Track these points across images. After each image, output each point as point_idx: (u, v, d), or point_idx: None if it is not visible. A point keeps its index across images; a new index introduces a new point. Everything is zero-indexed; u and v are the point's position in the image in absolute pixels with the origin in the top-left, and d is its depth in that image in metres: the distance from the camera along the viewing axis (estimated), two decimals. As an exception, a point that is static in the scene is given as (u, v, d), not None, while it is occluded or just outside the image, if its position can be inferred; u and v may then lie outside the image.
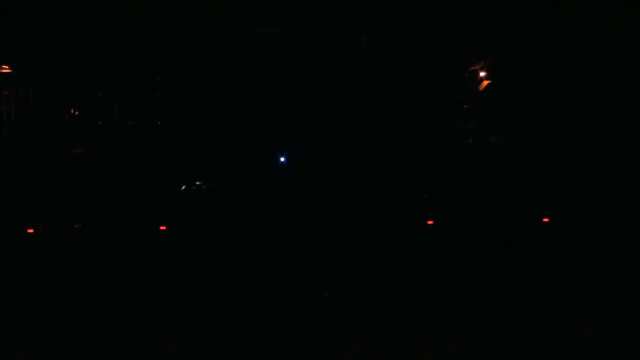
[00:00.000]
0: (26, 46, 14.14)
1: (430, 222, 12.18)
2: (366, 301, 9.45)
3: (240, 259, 11.27)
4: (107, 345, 7.88)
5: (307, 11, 14.78)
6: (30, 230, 11.64)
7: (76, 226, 11.98)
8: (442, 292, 9.72)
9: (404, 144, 14.00)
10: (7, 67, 14.14)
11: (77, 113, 14.48)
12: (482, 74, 14.54)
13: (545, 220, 12.11)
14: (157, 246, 11.80)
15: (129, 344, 7.93)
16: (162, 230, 12.02)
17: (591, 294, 9.38)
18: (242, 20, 14.57)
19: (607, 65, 14.08)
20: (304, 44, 14.65)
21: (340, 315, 8.85)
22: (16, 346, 7.88)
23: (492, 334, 8.02)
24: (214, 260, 11.40)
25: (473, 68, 14.61)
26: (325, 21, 14.68)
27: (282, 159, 14.00)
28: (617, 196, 12.55)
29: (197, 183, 13.16)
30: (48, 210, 12.13)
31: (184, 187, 13.11)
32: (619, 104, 13.95)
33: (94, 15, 14.08)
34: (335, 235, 11.85)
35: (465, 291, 9.67)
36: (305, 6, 14.75)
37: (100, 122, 14.39)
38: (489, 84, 14.47)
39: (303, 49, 14.65)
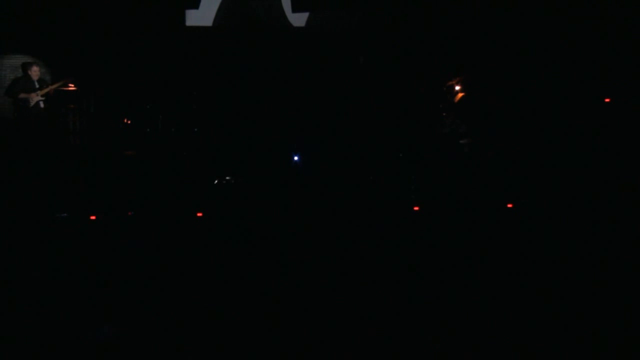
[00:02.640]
0: (88, 69, 16.00)
1: (416, 208, 13.23)
2: (361, 282, 9.25)
3: (256, 238, 11.63)
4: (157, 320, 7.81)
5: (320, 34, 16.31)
6: (93, 217, 12.40)
7: (129, 213, 12.70)
8: (425, 269, 9.77)
9: (395, 144, 15.49)
10: (73, 85, 15.89)
11: (129, 122, 16.28)
12: (457, 87, 16.14)
13: (509, 205, 13.14)
14: (195, 229, 12.52)
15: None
16: (199, 216, 12.66)
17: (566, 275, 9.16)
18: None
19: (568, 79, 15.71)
20: (317, 64, 16.27)
21: (334, 303, 8.46)
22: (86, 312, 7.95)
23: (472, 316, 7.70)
24: (239, 239, 11.68)
25: (450, 83, 16.25)
26: (332, 46, 16.54)
27: (296, 158, 15.48)
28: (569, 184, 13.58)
29: (227, 178, 14.26)
30: (106, 201, 13.00)
31: (216, 181, 14.18)
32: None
33: (146, 46, 16.05)
34: (334, 223, 12.19)
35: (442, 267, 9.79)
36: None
37: (148, 129, 16.09)
38: (463, 96, 16.07)
39: (316, 68, 16.29)
